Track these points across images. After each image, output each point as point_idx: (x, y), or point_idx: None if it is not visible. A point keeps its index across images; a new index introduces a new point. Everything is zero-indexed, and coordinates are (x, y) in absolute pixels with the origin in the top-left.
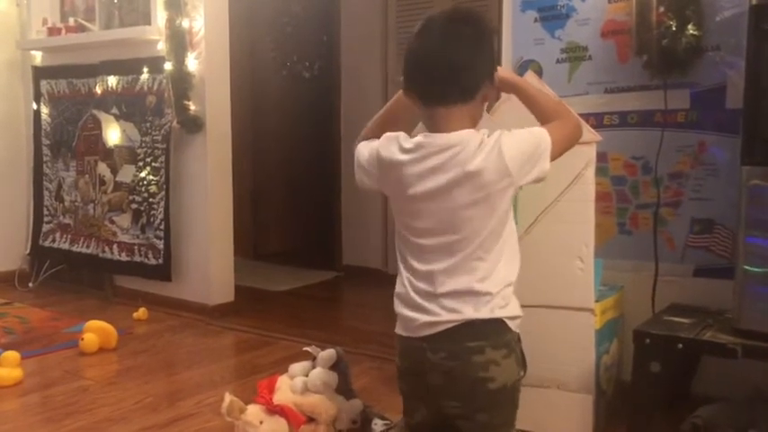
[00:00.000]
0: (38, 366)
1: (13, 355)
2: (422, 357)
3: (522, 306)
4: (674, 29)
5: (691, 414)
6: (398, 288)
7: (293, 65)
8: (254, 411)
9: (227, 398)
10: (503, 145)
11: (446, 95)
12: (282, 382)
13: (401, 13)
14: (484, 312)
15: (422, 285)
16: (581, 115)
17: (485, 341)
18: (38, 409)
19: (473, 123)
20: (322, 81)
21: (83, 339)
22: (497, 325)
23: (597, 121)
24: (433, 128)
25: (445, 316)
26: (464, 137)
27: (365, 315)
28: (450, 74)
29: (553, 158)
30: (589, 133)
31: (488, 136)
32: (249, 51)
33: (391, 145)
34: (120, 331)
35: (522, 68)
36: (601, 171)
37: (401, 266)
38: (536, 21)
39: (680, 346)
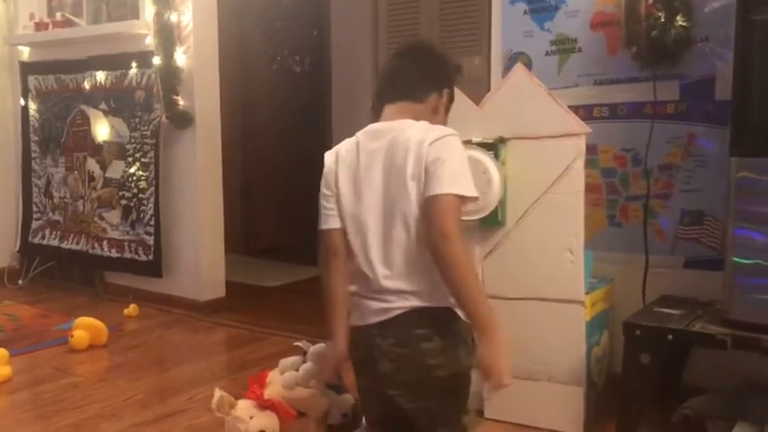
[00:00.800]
0: (27, 364)
1: (1, 352)
2: (372, 344)
3: (512, 299)
4: (662, 20)
5: (681, 405)
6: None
7: (284, 59)
8: (244, 406)
9: (217, 393)
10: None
11: (397, 94)
12: (273, 376)
13: (391, 7)
14: (434, 300)
15: None
16: (570, 107)
17: (434, 329)
18: (27, 406)
19: (416, 119)
20: (313, 75)
21: (72, 336)
22: (447, 313)
23: (587, 113)
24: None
25: (396, 303)
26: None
27: None
28: (402, 80)
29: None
30: (578, 125)
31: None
32: (239, 45)
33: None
34: (110, 328)
35: (511, 61)
36: (590, 163)
37: None
38: (525, 13)
39: (670, 337)
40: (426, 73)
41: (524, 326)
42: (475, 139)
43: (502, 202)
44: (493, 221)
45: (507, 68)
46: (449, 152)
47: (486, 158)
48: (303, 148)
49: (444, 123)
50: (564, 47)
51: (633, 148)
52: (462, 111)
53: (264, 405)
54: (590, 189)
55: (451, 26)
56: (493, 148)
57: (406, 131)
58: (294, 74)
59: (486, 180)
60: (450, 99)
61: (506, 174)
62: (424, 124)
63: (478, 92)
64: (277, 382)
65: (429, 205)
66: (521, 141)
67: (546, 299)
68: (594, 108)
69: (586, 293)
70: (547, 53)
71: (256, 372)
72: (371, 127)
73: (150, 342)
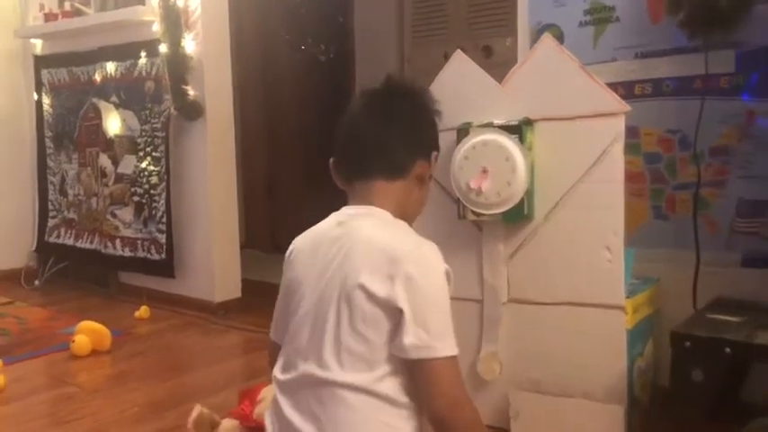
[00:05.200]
0: (25, 371)
1: None
2: None
3: (542, 303)
4: None
5: (740, 427)
6: None
7: (308, 48)
8: (228, 426)
9: (197, 410)
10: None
11: (369, 169)
12: (266, 392)
13: None
14: None
15: None
16: (608, 84)
17: None
18: (12, 421)
19: (398, 205)
20: (338, 64)
21: (74, 342)
22: None
23: (627, 90)
24: (356, 203)
25: None
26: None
27: None
28: (377, 149)
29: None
30: (616, 103)
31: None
32: (261, 34)
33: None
34: (117, 332)
35: (540, 35)
36: (632, 148)
37: None
38: None
39: (727, 350)
40: (410, 135)
41: (556, 334)
42: (497, 122)
43: (528, 194)
44: (518, 216)
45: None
46: (432, 281)
47: (509, 143)
48: (330, 142)
49: (426, 197)
50: (600, 16)
51: (681, 129)
52: (482, 90)
53: (251, 425)
54: (631, 177)
55: (480, 5)
56: (517, 130)
57: (366, 227)
58: (319, 63)
59: (509, 168)
60: (436, 160)
61: (533, 160)
62: (391, 222)
63: None
64: (270, 399)
65: (425, 374)
66: (549, 123)
67: (581, 304)
68: (636, 85)
69: (627, 297)
70: (581, 24)
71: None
72: (340, 212)
73: (157, 347)
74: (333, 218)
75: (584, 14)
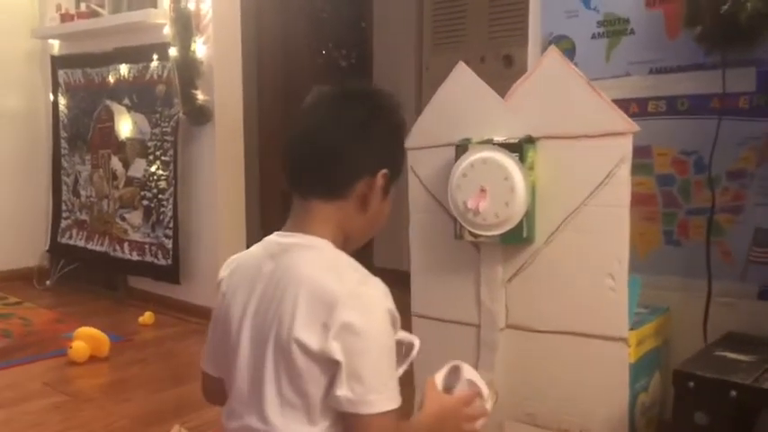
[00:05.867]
0: (20, 376)
1: None
2: None
3: (540, 331)
4: None
5: None
6: None
7: (329, 52)
8: None
9: (175, 429)
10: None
11: (305, 186)
12: None
13: (438, 1)
14: None
15: None
16: (620, 101)
17: None
18: None
19: (338, 231)
20: (360, 70)
21: (71, 347)
22: None
23: (640, 107)
24: (291, 225)
25: None
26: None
27: None
28: (315, 162)
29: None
30: (623, 122)
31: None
32: (282, 38)
33: None
34: (118, 338)
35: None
36: (643, 168)
37: None
38: None
39: (733, 394)
40: (355, 148)
41: (554, 365)
42: (497, 139)
43: (528, 215)
44: (517, 238)
45: None
46: (371, 327)
47: (509, 162)
48: None
49: (380, 218)
50: (614, 28)
51: (696, 150)
52: (484, 104)
53: None
54: (642, 200)
55: (502, 13)
56: (518, 149)
57: (301, 265)
58: (340, 68)
59: (508, 188)
60: (394, 176)
61: (535, 180)
62: (329, 256)
63: None
64: None
65: (358, 429)
66: (553, 141)
67: (581, 334)
68: (650, 102)
69: (631, 329)
70: (593, 36)
71: None
72: (270, 239)
73: (156, 355)
74: (263, 248)
75: (597, 26)
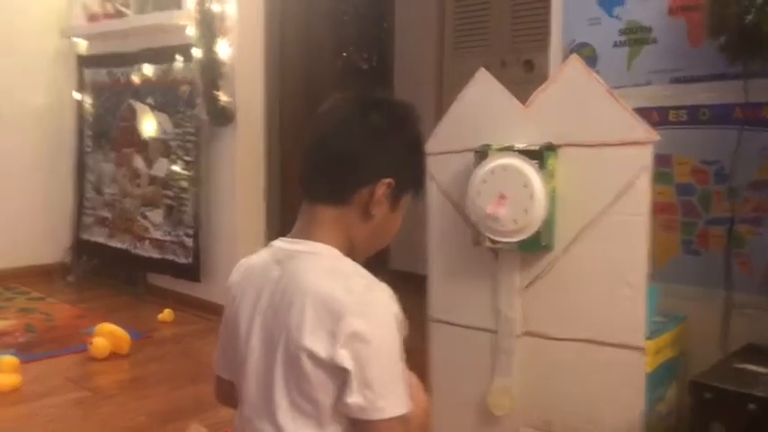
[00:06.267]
0: (43, 371)
1: (10, 360)
2: None
3: (556, 339)
4: (760, 1)
5: None
6: None
7: (350, 54)
8: None
9: (192, 428)
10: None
11: (313, 189)
12: None
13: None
14: None
15: None
16: (641, 109)
17: None
18: (21, 423)
19: (344, 238)
20: (381, 72)
21: (91, 344)
22: None
23: (661, 116)
24: (297, 230)
25: None
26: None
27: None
28: (324, 166)
29: None
30: (644, 131)
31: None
32: (304, 41)
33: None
34: (138, 334)
35: (572, 54)
36: (663, 177)
37: None
38: None
39: (751, 407)
40: (359, 154)
41: (569, 373)
42: (518, 146)
43: (548, 223)
44: (535, 245)
45: None
46: (379, 333)
47: (528, 169)
48: None
49: (386, 230)
50: (636, 36)
51: (717, 160)
52: (505, 111)
53: None
54: (661, 209)
55: (524, 17)
56: (538, 156)
57: (307, 272)
58: (361, 71)
59: (527, 195)
60: (403, 189)
61: (555, 188)
62: (334, 263)
63: None
64: None
65: None
66: (573, 149)
67: (598, 342)
68: (671, 111)
69: (648, 338)
70: (615, 44)
71: None
72: (276, 245)
73: (175, 353)
74: (270, 253)
75: (619, 34)
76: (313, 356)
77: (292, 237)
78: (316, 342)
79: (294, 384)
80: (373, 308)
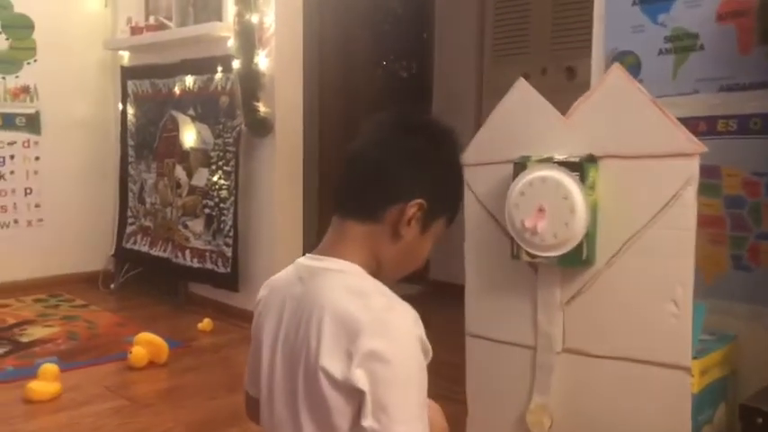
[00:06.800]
0: (82, 379)
1: (51, 368)
2: None
3: (598, 356)
4: None
5: None
6: None
7: (390, 63)
8: None
9: None
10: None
11: (344, 204)
12: None
13: (500, 4)
14: None
15: None
16: (688, 119)
17: None
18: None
19: (370, 256)
20: (421, 81)
21: (131, 353)
22: None
23: (709, 126)
24: (323, 246)
25: None
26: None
27: (441, 339)
28: (357, 181)
29: None
30: (690, 143)
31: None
32: (343, 51)
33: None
34: (176, 343)
35: (615, 62)
36: (711, 190)
37: None
38: (634, 3)
39: None
40: (392, 174)
41: (612, 392)
42: (558, 157)
43: (589, 237)
44: (576, 260)
45: None
46: (398, 354)
47: (569, 181)
48: None
49: (415, 254)
50: (682, 44)
51: None
52: (544, 121)
53: None
54: (709, 222)
55: (565, 24)
56: (579, 168)
57: (326, 290)
58: (400, 79)
59: (568, 208)
60: (436, 212)
61: (596, 201)
62: (356, 281)
63: None
64: None
65: None
66: (615, 161)
67: (641, 361)
68: (719, 121)
69: (695, 357)
70: (660, 52)
71: None
72: (301, 262)
73: (213, 362)
74: (294, 271)
75: (664, 42)
76: (329, 377)
77: (318, 253)
78: (333, 362)
79: (315, 407)
80: (393, 327)
